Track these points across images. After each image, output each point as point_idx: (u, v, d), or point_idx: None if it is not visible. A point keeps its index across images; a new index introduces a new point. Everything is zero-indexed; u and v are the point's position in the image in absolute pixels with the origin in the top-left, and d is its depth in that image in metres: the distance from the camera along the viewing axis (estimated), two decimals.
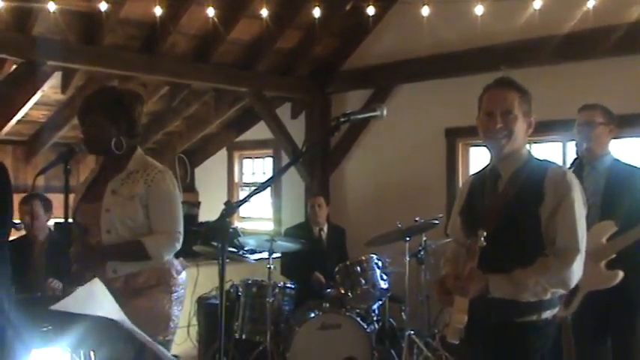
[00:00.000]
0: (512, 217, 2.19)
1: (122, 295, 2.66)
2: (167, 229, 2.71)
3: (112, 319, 2.03)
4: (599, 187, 3.30)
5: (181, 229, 2.74)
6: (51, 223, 4.50)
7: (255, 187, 1.97)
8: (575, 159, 3.41)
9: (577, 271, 2.14)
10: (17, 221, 4.28)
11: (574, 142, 3.43)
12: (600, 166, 3.33)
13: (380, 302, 4.63)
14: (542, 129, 4.89)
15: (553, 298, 2.19)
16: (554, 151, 5.20)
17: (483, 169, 2.43)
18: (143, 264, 2.69)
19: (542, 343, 2.20)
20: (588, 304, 3.16)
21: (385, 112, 2.02)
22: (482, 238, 2.13)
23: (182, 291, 2.83)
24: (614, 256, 3.08)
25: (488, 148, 2.33)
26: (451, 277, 2.26)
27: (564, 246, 2.13)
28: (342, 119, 1.97)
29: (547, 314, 2.19)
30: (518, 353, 2.20)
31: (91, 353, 2.36)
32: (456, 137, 5.58)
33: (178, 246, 2.75)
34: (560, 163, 4.94)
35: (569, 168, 3.41)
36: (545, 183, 2.17)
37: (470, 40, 5.19)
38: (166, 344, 2.67)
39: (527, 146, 2.35)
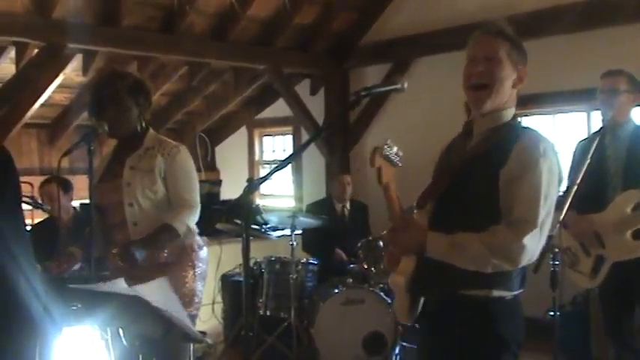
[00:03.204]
0: (469, 174, 1.92)
1: (147, 270, 2.72)
2: (186, 199, 2.77)
3: (139, 297, 2.07)
4: (621, 155, 3.24)
5: (198, 199, 2.82)
6: (76, 203, 4.56)
7: (276, 165, 1.97)
8: (601, 127, 3.35)
9: (529, 248, 1.83)
10: (41, 203, 4.37)
11: (599, 112, 3.36)
12: (622, 133, 3.27)
13: None
14: (567, 99, 4.89)
15: (505, 276, 1.90)
16: (579, 122, 5.12)
17: None
18: None
19: (488, 326, 1.91)
20: (615, 275, 3.13)
21: (406, 85, 1.98)
22: (390, 148, 1.92)
23: (204, 266, 2.88)
24: None
25: (469, 101, 2.03)
26: (388, 232, 2.01)
27: (520, 217, 1.84)
28: (363, 93, 1.93)
29: (500, 293, 1.90)
30: (466, 333, 1.93)
31: (120, 331, 2.42)
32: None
33: (197, 215, 2.82)
34: (584, 132, 4.88)
35: (594, 135, 3.34)
36: (514, 147, 1.89)
37: (490, 10, 5.08)
38: (191, 319, 2.72)
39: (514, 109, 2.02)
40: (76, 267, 4.04)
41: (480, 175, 1.91)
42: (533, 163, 1.86)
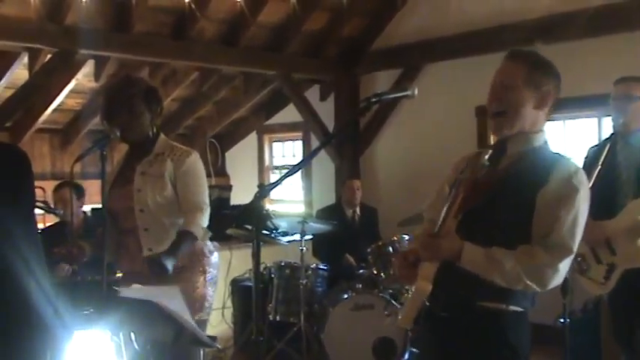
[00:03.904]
0: (504, 192, 1.93)
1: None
2: (196, 202, 2.79)
3: (151, 302, 2.08)
4: (633, 162, 3.22)
5: (208, 201, 2.84)
6: (87, 208, 4.59)
7: (286, 170, 1.98)
8: (612, 134, 3.34)
9: (562, 273, 1.88)
10: (54, 208, 4.40)
11: (610, 117, 3.35)
12: (634, 140, 3.25)
13: None
14: (577, 105, 4.88)
15: (526, 294, 1.95)
16: (590, 127, 5.10)
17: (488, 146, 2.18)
18: None
19: (501, 335, 1.94)
20: (626, 281, 3.11)
21: (416, 92, 1.99)
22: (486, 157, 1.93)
23: (215, 272, 2.89)
24: None
25: (490, 127, 2.08)
26: (424, 237, 1.99)
27: (558, 242, 1.87)
28: (373, 99, 1.94)
29: (516, 308, 1.95)
30: (480, 340, 1.95)
31: (131, 335, 2.43)
32: (487, 115, 5.51)
33: (208, 216, 2.83)
34: (595, 139, 4.86)
35: (605, 141, 3.34)
36: (552, 170, 1.91)
37: (499, 16, 5.09)
38: (201, 324, 2.73)
39: (546, 132, 2.05)
40: (69, 272, 4.08)
41: (514, 195, 1.93)
42: (573, 192, 1.90)
